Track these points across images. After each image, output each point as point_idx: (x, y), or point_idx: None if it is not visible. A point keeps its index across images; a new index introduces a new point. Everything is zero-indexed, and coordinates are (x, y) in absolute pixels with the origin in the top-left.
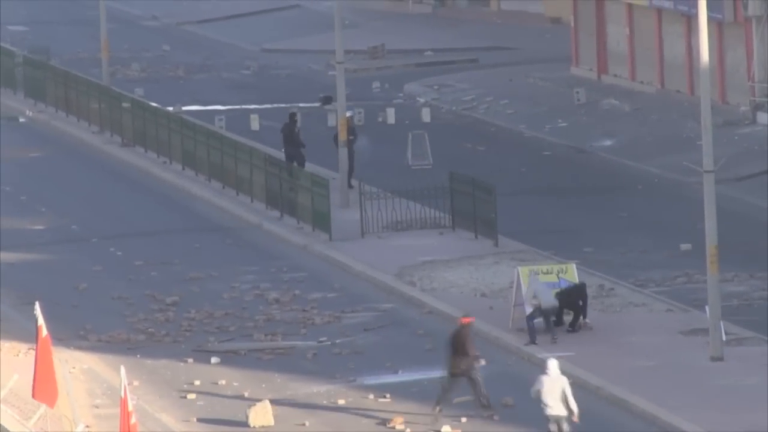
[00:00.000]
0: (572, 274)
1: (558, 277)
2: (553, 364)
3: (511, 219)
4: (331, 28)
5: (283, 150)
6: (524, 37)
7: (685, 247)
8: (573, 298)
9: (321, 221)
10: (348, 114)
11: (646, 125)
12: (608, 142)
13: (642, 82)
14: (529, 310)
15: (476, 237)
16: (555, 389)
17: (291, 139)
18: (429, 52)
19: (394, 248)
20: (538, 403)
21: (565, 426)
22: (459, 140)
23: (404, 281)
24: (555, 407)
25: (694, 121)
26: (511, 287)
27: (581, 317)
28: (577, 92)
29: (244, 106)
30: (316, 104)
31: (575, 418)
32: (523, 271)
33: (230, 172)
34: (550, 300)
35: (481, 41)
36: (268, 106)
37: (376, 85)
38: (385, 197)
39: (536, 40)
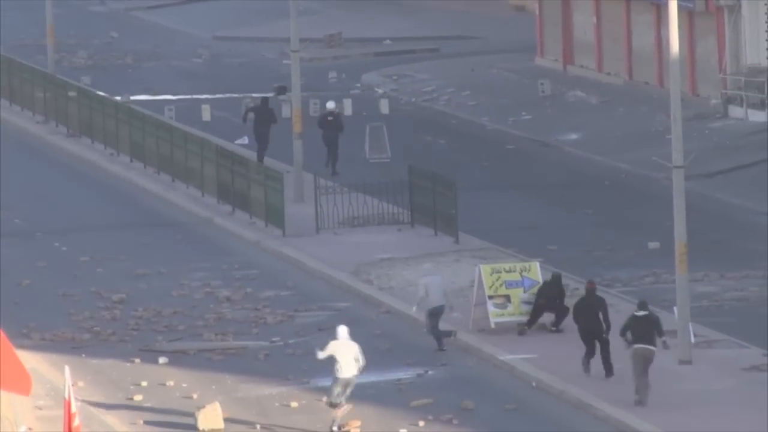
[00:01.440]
0: (536, 272)
1: (521, 276)
2: (343, 330)
3: (472, 215)
4: (286, 15)
5: (254, 131)
6: (487, 25)
7: (653, 245)
8: (552, 298)
9: (274, 216)
10: (332, 105)
11: (613, 118)
12: (574, 136)
13: (609, 74)
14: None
15: (436, 234)
16: (348, 353)
17: (264, 119)
18: (388, 41)
19: (350, 245)
20: (331, 365)
21: (350, 389)
22: (419, 133)
23: (361, 279)
24: (347, 370)
25: (663, 115)
26: (472, 286)
27: (564, 315)
28: (542, 84)
29: (195, 96)
30: (270, 94)
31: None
32: (485, 269)
33: (180, 164)
34: (439, 299)
35: (442, 30)
36: (220, 96)
37: (332, 74)
38: (341, 192)
39: (500, 29)
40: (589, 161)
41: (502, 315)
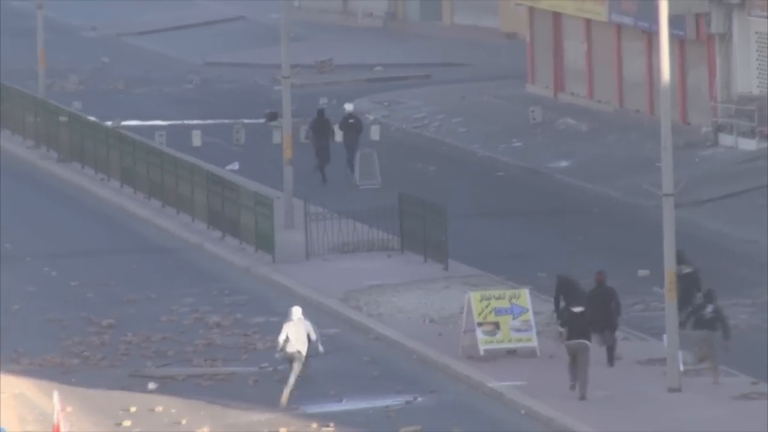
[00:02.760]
0: (525, 299)
1: (510, 303)
2: (296, 311)
3: (462, 242)
4: (277, 41)
5: (313, 145)
6: (478, 52)
7: (643, 273)
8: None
9: (264, 242)
10: (350, 107)
11: (603, 146)
12: (564, 163)
13: (600, 101)
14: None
15: (426, 260)
16: (299, 331)
17: (322, 131)
18: (379, 68)
19: (340, 271)
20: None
21: (296, 365)
22: (409, 159)
23: (350, 306)
24: (293, 346)
25: (653, 142)
26: (462, 313)
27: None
28: (533, 111)
29: (185, 122)
30: (261, 120)
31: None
32: (475, 296)
33: (171, 189)
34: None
35: (433, 56)
36: (211, 121)
37: (323, 100)
38: (331, 218)
39: (491, 56)
40: (579, 188)
41: (491, 342)
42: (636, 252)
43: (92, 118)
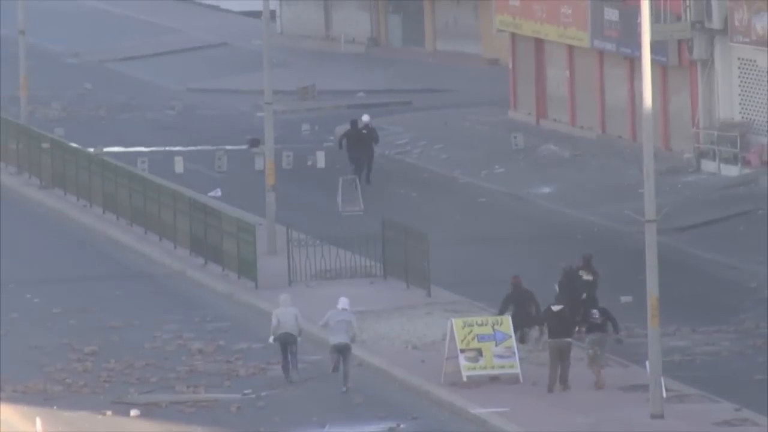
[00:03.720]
0: (508, 326)
1: (493, 329)
2: (284, 298)
3: (444, 268)
4: (259, 67)
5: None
6: (460, 78)
7: (626, 299)
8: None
9: (247, 269)
10: (367, 117)
11: (586, 172)
12: (547, 190)
13: (582, 127)
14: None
15: (408, 287)
16: (288, 316)
17: (357, 142)
18: (361, 94)
19: (322, 297)
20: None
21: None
22: (391, 186)
23: None
24: (284, 328)
25: (636, 169)
26: (444, 339)
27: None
28: (515, 137)
29: (168, 148)
30: (243, 147)
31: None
32: (457, 322)
33: (153, 216)
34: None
35: (415, 83)
36: (193, 148)
37: (305, 127)
38: (314, 244)
39: (473, 82)
40: (561, 215)
41: (474, 368)
42: (618, 278)
43: (75, 145)
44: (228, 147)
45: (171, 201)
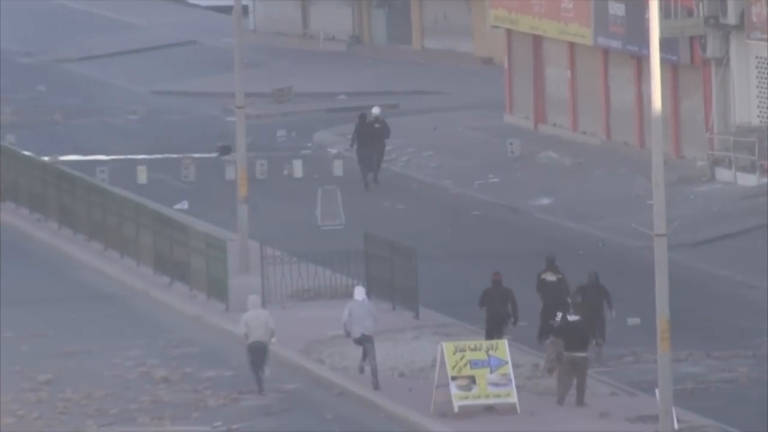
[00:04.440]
0: (503, 351)
1: (487, 355)
2: (253, 300)
3: (434, 288)
4: (230, 67)
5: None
6: (451, 79)
7: (633, 321)
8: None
9: (217, 289)
10: (377, 110)
11: (589, 182)
12: (546, 201)
13: (585, 133)
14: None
15: (394, 308)
16: (257, 321)
17: (367, 138)
18: (342, 96)
19: (300, 320)
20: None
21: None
22: (375, 197)
23: (312, 358)
24: (254, 335)
25: (644, 178)
26: (434, 366)
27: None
28: (511, 143)
29: (130, 156)
30: (213, 154)
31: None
32: (448, 347)
33: (113, 231)
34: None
35: (401, 84)
36: (158, 156)
37: (281, 133)
38: (290, 262)
39: (465, 83)
40: (562, 228)
41: (467, 398)
42: (625, 298)
43: (27, 153)
44: (196, 155)
45: (133, 214)
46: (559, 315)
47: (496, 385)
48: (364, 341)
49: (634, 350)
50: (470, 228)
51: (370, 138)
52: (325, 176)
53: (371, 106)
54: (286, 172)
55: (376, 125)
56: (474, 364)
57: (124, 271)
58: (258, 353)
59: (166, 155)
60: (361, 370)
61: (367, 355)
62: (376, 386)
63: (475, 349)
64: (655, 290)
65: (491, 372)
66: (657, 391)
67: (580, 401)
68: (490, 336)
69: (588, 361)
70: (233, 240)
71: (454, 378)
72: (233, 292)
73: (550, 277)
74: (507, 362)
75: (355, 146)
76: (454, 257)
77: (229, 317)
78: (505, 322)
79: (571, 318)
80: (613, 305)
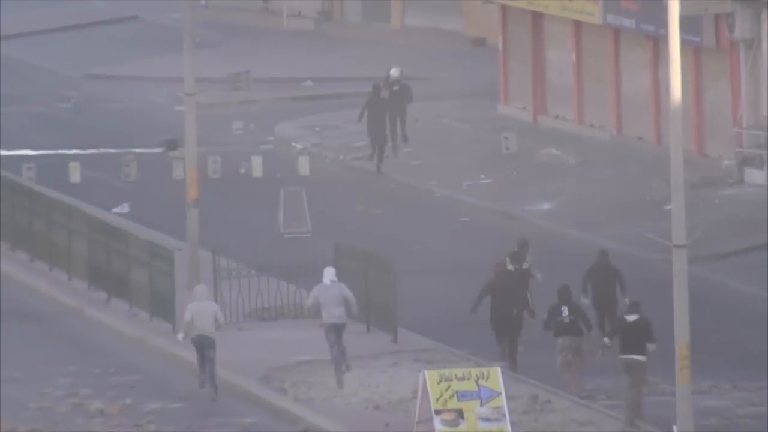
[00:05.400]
0: (496, 380)
1: (477, 385)
2: (199, 290)
3: (415, 306)
4: (179, 48)
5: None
6: (436, 63)
7: (648, 346)
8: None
9: (162, 306)
10: (396, 72)
11: (596, 183)
12: (546, 206)
13: (592, 126)
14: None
15: (369, 330)
16: (204, 313)
17: (376, 113)
18: (309, 82)
19: (259, 343)
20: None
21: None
22: (347, 200)
23: (272, 388)
24: (199, 328)
25: (660, 179)
26: (415, 398)
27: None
28: (506, 138)
29: (61, 151)
30: (158, 150)
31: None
32: (431, 376)
33: (42, 239)
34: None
35: (378, 68)
36: (94, 151)
37: (238, 125)
38: (248, 275)
39: (452, 67)
40: (565, 238)
41: None
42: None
43: None
44: (138, 150)
45: (65, 219)
46: (565, 309)
47: (488, 420)
48: (340, 329)
49: (648, 380)
50: (457, 237)
51: (389, 105)
52: (288, 176)
53: (342, 94)
54: (243, 171)
55: (395, 88)
56: (462, 395)
57: (54, 285)
58: (202, 345)
59: (103, 150)
60: (338, 369)
61: (334, 345)
62: (344, 372)
63: (462, 378)
64: (674, 310)
65: (482, 405)
66: (675, 428)
67: (631, 421)
68: (501, 339)
69: (646, 366)
70: (181, 250)
71: (438, 412)
72: (181, 311)
73: (510, 266)
74: (500, 393)
75: (365, 121)
76: (438, 271)
77: (176, 340)
78: (514, 324)
79: (630, 317)
80: (626, 289)
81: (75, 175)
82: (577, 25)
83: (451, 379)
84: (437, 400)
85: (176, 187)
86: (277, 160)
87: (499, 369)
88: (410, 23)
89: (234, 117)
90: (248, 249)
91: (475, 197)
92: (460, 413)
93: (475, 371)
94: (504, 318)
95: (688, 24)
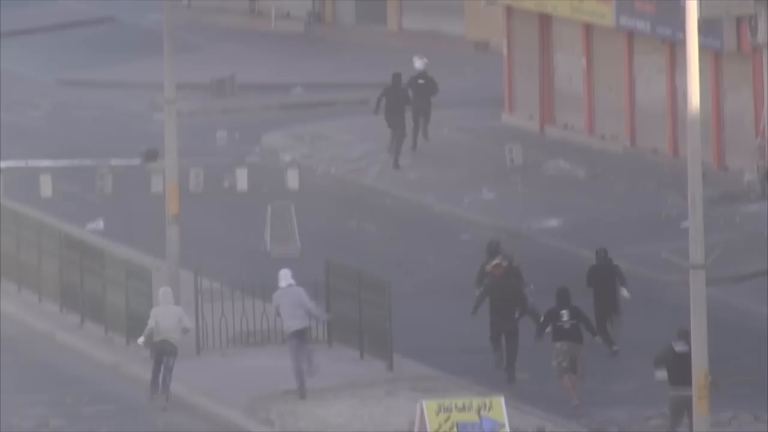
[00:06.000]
0: (500, 411)
1: (479, 416)
2: (164, 293)
3: (412, 330)
4: (158, 51)
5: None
6: (437, 69)
7: (662, 375)
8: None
9: (139, 330)
10: (421, 64)
11: (608, 199)
12: (554, 223)
13: (603, 137)
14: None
15: (362, 356)
16: (168, 316)
17: (395, 103)
18: (298, 89)
19: (243, 371)
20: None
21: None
22: (340, 216)
23: (257, 419)
24: (163, 332)
25: (677, 194)
26: (411, 430)
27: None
28: (511, 150)
29: (30, 163)
30: (136, 161)
31: None
32: (430, 406)
33: (10, 257)
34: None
35: (373, 74)
36: (66, 162)
37: (221, 134)
38: (232, 297)
39: (453, 74)
40: (574, 257)
41: None
42: (652, 345)
43: None
44: (114, 162)
45: (34, 236)
46: (565, 313)
47: None
48: (303, 335)
49: (663, 411)
50: (458, 256)
51: (412, 99)
52: (276, 190)
53: (334, 102)
54: (227, 184)
55: (420, 81)
56: (462, 427)
57: (23, 307)
58: (164, 352)
59: (77, 162)
60: (300, 379)
61: (294, 351)
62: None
63: (463, 409)
64: (691, 336)
65: None
66: None
67: None
68: (498, 345)
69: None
70: (160, 270)
71: None
72: None
73: (495, 261)
74: (504, 425)
75: (382, 114)
76: (437, 293)
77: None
78: (513, 327)
79: (678, 348)
80: (626, 282)
81: (46, 188)
82: (588, 27)
83: (451, 410)
84: (436, 431)
85: (155, 201)
86: (264, 173)
87: (502, 399)
88: (407, 25)
89: (217, 126)
90: (232, 269)
91: (476, 213)
92: None
93: (476, 401)
94: (503, 318)
95: (707, 27)
